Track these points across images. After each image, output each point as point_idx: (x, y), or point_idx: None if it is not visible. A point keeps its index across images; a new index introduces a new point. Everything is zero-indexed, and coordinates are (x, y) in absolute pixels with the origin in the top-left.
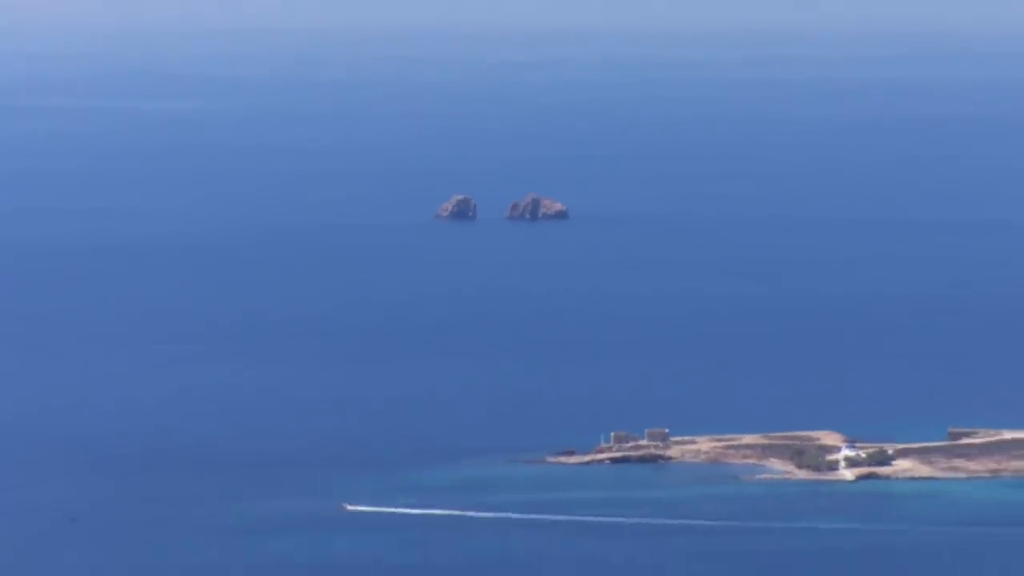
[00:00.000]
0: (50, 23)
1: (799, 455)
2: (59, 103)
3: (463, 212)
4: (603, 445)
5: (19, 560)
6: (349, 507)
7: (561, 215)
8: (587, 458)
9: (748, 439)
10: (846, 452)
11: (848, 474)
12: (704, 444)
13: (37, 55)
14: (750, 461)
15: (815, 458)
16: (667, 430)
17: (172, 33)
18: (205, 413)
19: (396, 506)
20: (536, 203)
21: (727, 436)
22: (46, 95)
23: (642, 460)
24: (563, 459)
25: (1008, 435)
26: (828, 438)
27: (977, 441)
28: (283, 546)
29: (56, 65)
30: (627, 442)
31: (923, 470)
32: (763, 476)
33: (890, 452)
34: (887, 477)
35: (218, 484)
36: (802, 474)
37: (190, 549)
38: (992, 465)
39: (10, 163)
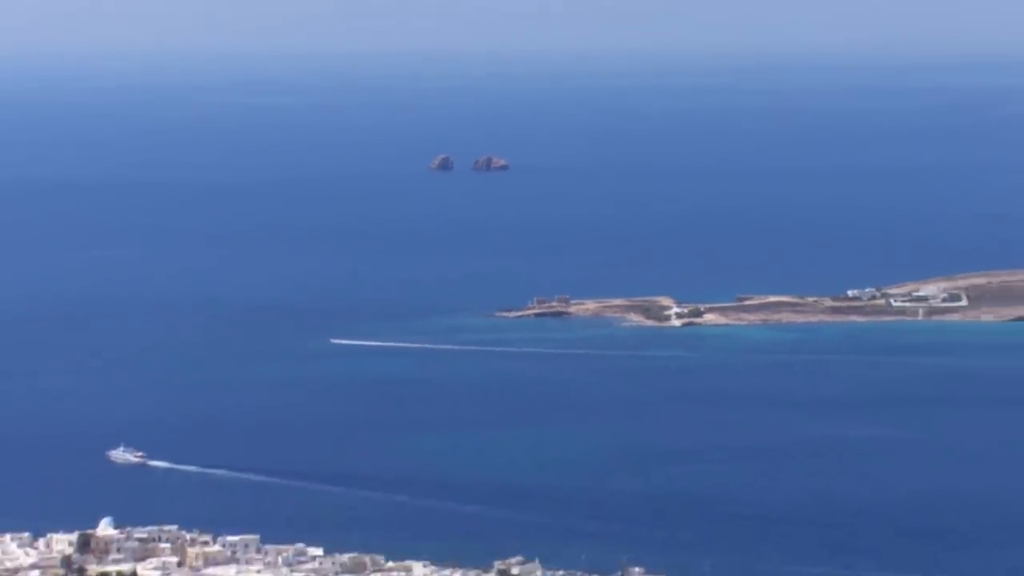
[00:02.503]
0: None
1: (647, 311)
2: (201, 99)
3: (445, 166)
4: (530, 305)
5: (162, 372)
6: (334, 341)
7: (504, 168)
8: (520, 313)
9: (617, 301)
10: (676, 309)
11: (677, 322)
12: (591, 305)
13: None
14: (618, 315)
15: (657, 313)
16: (568, 296)
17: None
18: (263, 285)
19: (372, 340)
20: (489, 160)
21: (604, 299)
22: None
23: (553, 315)
24: (505, 313)
25: (772, 298)
26: (665, 300)
27: (753, 302)
28: (295, 365)
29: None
30: (544, 303)
31: (721, 320)
32: (626, 324)
33: (702, 309)
34: (700, 324)
35: (262, 328)
36: (649, 323)
37: (236, 369)
38: (763, 317)
39: (166, 132)
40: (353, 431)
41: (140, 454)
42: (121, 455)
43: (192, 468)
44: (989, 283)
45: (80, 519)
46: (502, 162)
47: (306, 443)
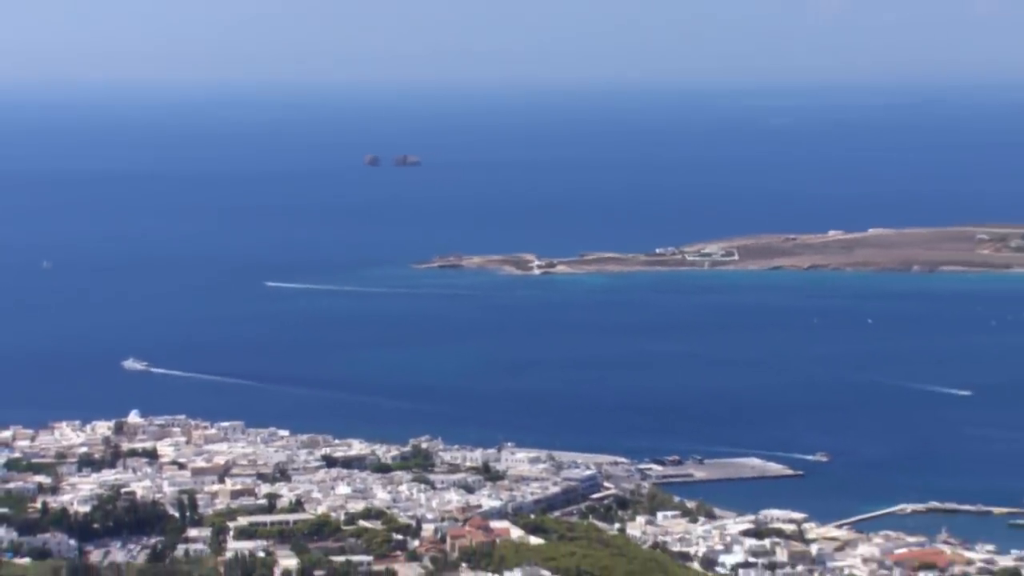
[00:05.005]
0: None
1: (516, 263)
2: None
3: (375, 162)
4: (434, 259)
5: (160, 307)
6: (269, 284)
7: (416, 163)
8: (426, 265)
9: (495, 257)
10: (537, 262)
11: (537, 272)
12: (477, 259)
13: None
14: (496, 266)
15: (524, 265)
16: (461, 253)
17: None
18: (238, 247)
19: (302, 283)
20: (405, 157)
21: (486, 255)
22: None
23: (451, 267)
24: (417, 266)
25: (604, 254)
26: (529, 256)
27: (591, 257)
28: (239, 301)
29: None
30: (444, 258)
31: (568, 269)
32: (502, 273)
33: (555, 262)
34: (554, 273)
35: (232, 276)
36: (517, 272)
37: (204, 304)
38: (597, 267)
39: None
40: (304, 348)
41: (145, 363)
42: (131, 364)
43: (184, 373)
44: (753, 242)
45: (112, 410)
46: (415, 159)
47: (269, 356)
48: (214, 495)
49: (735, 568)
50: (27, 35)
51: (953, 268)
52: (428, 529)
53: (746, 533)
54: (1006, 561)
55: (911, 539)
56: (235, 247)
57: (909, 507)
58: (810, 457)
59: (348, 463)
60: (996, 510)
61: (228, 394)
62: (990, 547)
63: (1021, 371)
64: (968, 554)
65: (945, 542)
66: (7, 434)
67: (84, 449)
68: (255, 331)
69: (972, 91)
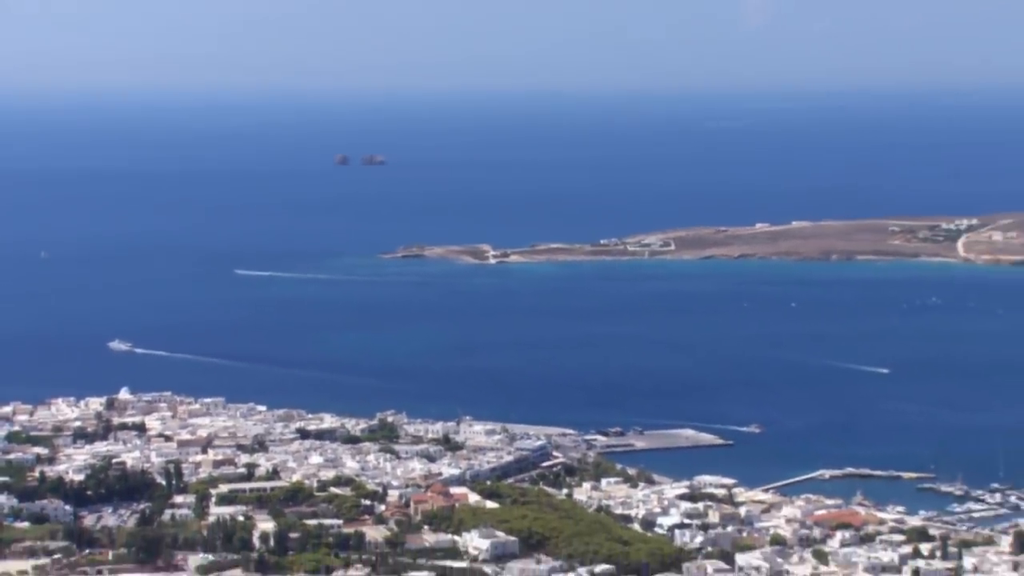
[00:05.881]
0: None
1: (474, 253)
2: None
3: (344, 161)
4: (398, 250)
5: (163, 293)
6: (239, 272)
7: (383, 163)
8: (391, 255)
9: (455, 247)
10: (492, 252)
11: (493, 261)
12: (438, 249)
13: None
14: (456, 256)
15: (481, 254)
16: (423, 244)
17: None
18: (206, 234)
19: (271, 271)
20: (372, 157)
21: (447, 246)
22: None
23: (414, 256)
24: (382, 256)
25: (553, 245)
26: (485, 246)
27: (542, 247)
28: (214, 288)
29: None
30: (408, 249)
31: (521, 259)
32: (460, 262)
33: (509, 252)
34: (508, 262)
35: (197, 263)
36: (475, 261)
37: (182, 290)
38: (548, 257)
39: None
40: (280, 331)
41: (129, 344)
42: (117, 345)
43: (164, 353)
44: (688, 234)
45: (102, 387)
46: (381, 158)
47: (247, 338)
48: (198, 465)
49: (671, 529)
50: (22, 43)
51: (868, 257)
52: (393, 495)
53: (682, 497)
54: (914, 521)
55: (829, 501)
56: (215, 239)
57: (828, 473)
58: (744, 429)
59: (320, 435)
60: (906, 475)
61: (209, 372)
62: (900, 508)
63: (931, 350)
64: (880, 515)
65: (860, 504)
66: (7, 409)
67: (78, 423)
68: (233, 315)
69: (890, 97)
